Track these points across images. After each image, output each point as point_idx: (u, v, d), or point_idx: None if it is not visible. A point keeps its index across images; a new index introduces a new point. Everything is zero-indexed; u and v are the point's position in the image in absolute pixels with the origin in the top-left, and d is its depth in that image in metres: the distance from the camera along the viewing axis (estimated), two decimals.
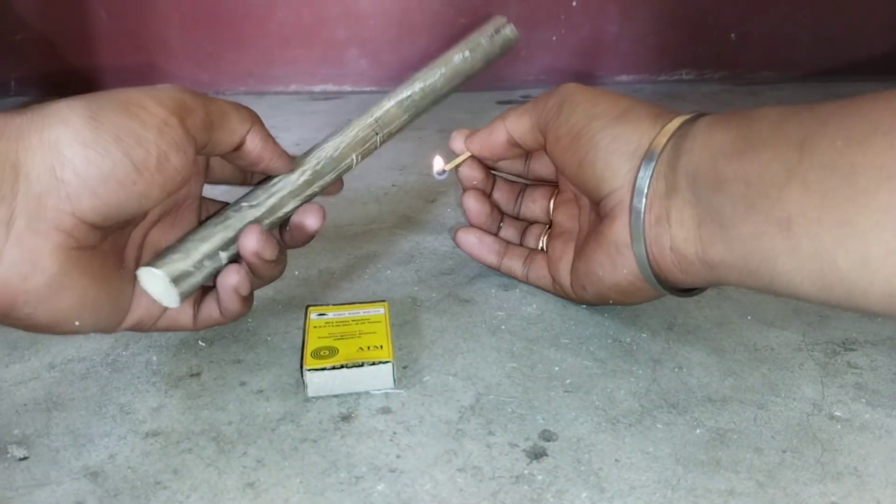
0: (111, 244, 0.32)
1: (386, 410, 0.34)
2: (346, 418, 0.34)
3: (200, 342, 0.40)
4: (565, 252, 0.42)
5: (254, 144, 0.34)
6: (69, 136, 0.27)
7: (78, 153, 0.27)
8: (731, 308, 0.43)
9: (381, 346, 0.36)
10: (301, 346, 0.40)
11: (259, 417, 0.34)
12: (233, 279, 0.35)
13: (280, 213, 0.38)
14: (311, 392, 0.35)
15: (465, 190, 0.45)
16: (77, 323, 0.31)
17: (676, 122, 0.34)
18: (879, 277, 0.27)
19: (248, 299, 0.37)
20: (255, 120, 0.35)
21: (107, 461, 0.31)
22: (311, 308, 0.41)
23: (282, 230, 0.39)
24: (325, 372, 0.35)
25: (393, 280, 0.47)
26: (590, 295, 0.40)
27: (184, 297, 0.34)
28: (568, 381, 0.36)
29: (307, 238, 0.39)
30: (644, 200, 0.34)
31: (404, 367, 0.37)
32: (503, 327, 0.41)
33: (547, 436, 0.32)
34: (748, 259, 0.31)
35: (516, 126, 0.41)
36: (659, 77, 1.13)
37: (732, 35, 1.12)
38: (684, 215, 0.33)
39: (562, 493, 0.29)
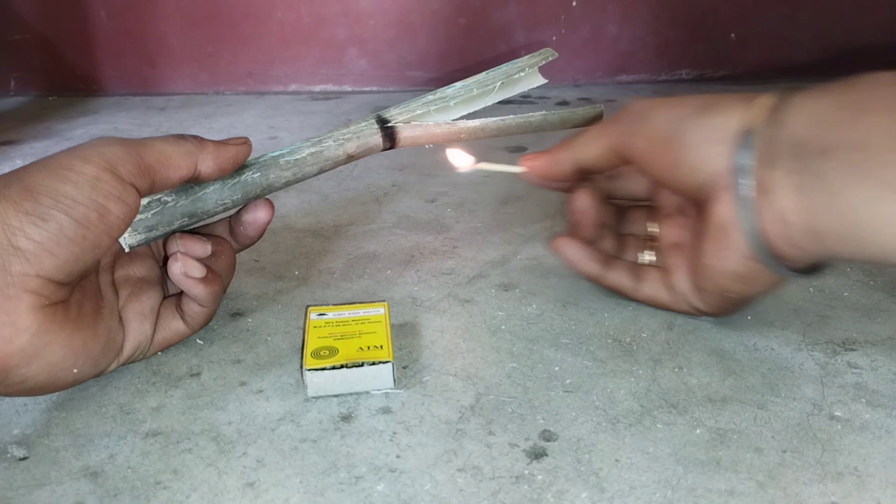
0: (82, 294, 0.33)
1: (386, 410, 0.34)
2: (346, 418, 0.34)
3: (199, 341, 0.40)
4: (680, 261, 0.40)
5: (208, 167, 0.36)
6: (11, 209, 0.30)
7: (24, 221, 0.29)
8: None
9: (381, 346, 0.36)
10: (301, 346, 0.40)
11: (259, 417, 0.34)
12: (175, 267, 0.36)
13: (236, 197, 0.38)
14: (311, 392, 0.35)
15: (572, 192, 0.42)
16: (75, 370, 0.32)
17: (771, 98, 0.34)
18: None
19: (208, 279, 0.37)
20: (201, 146, 0.35)
21: (107, 461, 0.31)
22: (311, 308, 0.41)
23: (233, 229, 0.41)
24: (325, 372, 0.35)
25: (393, 280, 0.47)
26: (711, 296, 0.38)
27: (134, 237, 0.35)
28: (568, 381, 0.36)
29: (259, 232, 0.40)
30: (747, 175, 0.33)
31: (404, 367, 0.37)
32: (503, 327, 0.41)
33: (547, 436, 0.32)
34: (858, 226, 0.31)
35: (585, 153, 0.41)
36: (659, 77, 1.13)
37: (732, 35, 1.12)
38: (789, 185, 0.33)
39: (562, 493, 0.29)
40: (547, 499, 0.28)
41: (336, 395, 0.35)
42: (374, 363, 0.35)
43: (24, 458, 0.31)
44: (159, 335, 0.38)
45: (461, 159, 0.45)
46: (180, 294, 0.38)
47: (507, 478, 0.30)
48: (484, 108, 0.44)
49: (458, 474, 0.30)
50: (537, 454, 0.31)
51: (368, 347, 0.36)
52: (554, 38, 1.10)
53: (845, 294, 0.45)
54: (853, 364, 0.37)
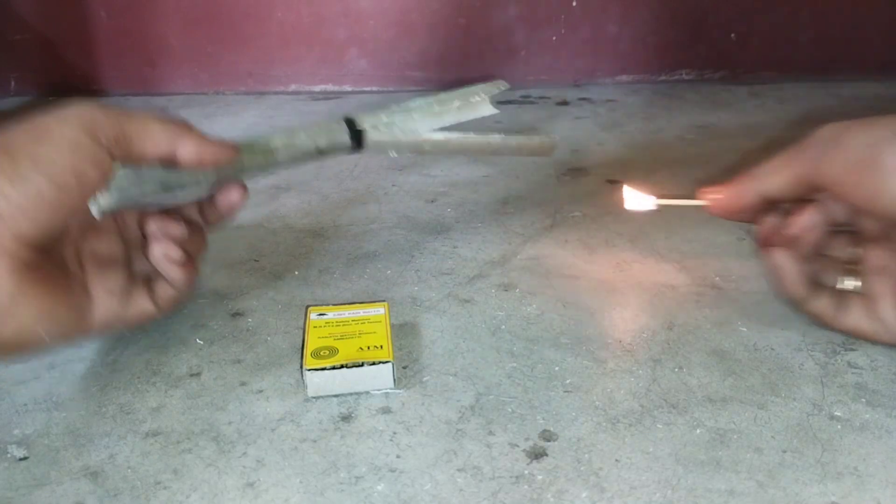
0: (51, 263, 0.33)
1: (386, 410, 0.34)
2: (346, 418, 0.34)
3: (199, 341, 0.40)
4: (887, 288, 0.37)
5: (188, 153, 0.35)
6: None
7: (3, 183, 0.29)
8: (731, 308, 0.43)
9: (381, 346, 0.36)
10: (301, 346, 0.40)
11: (259, 417, 0.34)
12: (157, 250, 0.36)
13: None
14: (311, 392, 0.35)
15: (797, 209, 0.39)
16: (43, 333, 0.32)
17: None
18: None
19: (186, 264, 0.37)
20: (185, 131, 0.35)
21: (107, 461, 0.31)
22: (311, 308, 0.41)
23: (204, 211, 0.41)
24: (325, 372, 0.35)
25: (393, 280, 0.47)
26: None
27: (105, 199, 0.34)
28: (568, 381, 0.36)
29: (231, 214, 0.40)
30: None
31: (404, 367, 0.37)
32: (503, 327, 0.41)
33: (547, 436, 0.32)
34: None
35: (771, 183, 0.38)
36: (659, 77, 1.13)
37: (732, 35, 1.12)
38: None
39: (562, 493, 0.29)
40: (547, 499, 0.28)
41: (336, 395, 0.35)
42: (374, 363, 0.35)
43: (24, 458, 0.31)
44: (128, 314, 0.37)
45: (640, 201, 0.44)
46: (150, 276, 0.38)
47: (507, 478, 0.30)
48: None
49: (458, 474, 0.30)
50: (537, 454, 0.31)
51: (368, 347, 0.36)
52: (554, 38, 1.10)
53: None
54: (853, 364, 0.37)
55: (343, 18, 1.08)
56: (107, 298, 0.36)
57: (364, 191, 0.65)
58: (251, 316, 0.43)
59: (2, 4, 1.06)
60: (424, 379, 0.36)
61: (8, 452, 0.32)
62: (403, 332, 0.41)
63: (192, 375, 0.37)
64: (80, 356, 0.39)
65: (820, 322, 0.40)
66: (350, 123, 0.43)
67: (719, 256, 0.50)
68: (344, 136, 0.43)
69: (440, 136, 0.45)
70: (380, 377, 0.35)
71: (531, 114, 0.93)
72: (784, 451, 0.31)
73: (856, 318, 0.39)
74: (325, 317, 0.40)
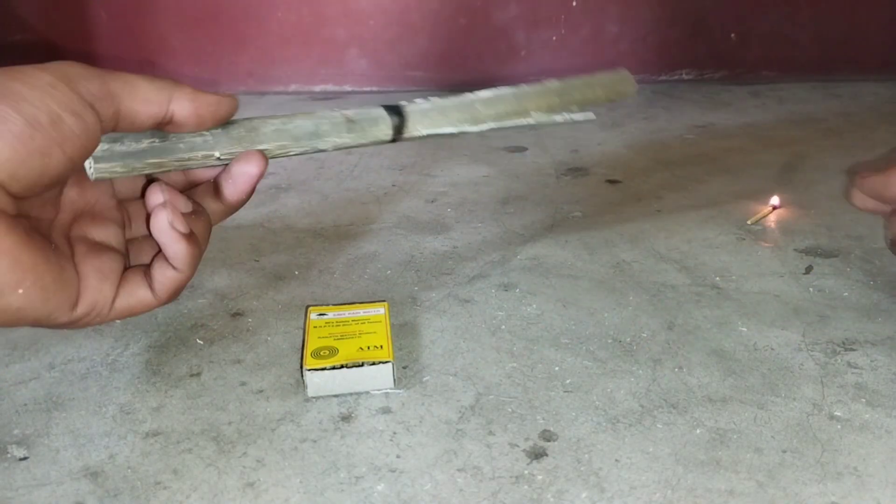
0: (32, 228, 0.30)
1: (386, 410, 0.34)
2: (346, 418, 0.34)
3: (200, 341, 0.40)
4: None
5: (184, 109, 0.32)
6: None
7: None
8: (731, 308, 0.43)
9: (381, 346, 0.36)
10: (301, 346, 0.40)
11: (259, 417, 0.34)
12: (162, 216, 0.32)
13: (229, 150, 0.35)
14: (311, 392, 0.35)
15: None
16: (20, 291, 0.29)
17: None
18: None
19: (191, 238, 0.33)
20: (177, 86, 0.32)
21: (107, 461, 0.31)
22: (311, 308, 0.41)
23: (219, 186, 0.36)
24: (325, 372, 0.35)
25: (393, 280, 0.47)
26: None
27: (100, 167, 0.32)
28: (568, 381, 0.36)
29: (249, 187, 0.36)
30: None
31: (404, 367, 0.37)
32: (503, 327, 0.41)
33: (547, 436, 0.32)
34: None
35: None
36: (659, 77, 1.13)
37: (732, 35, 1.12)
38: None
39: (562, 493, 0.29)
40: (547, 499, 0.28)
41: (336, 395, 0.35)
42: (374, 363, 0.35)
43: (24, 458, 0.31)
44: (122, 301, 0.34)
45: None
46: (148, 265, 0.35)
47: (507, 478, 0.30)
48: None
49: (458, 474, 0.30)
50: (537, 454, 0.31)
51: (368, 347, 0.36)
52: (554, 38, 1.10)
53: (845, 294, 0.45)
54: (853, 364, 0.37)
55: (343, 18, 1.08)
56: (98, 281, 0.32)
57: (364, 191, 0.65)
58: (251, 316, 0.43)
59: (2, 4, 1.06)
60: (424, 379, 0.36)
61: (8, 452, 0.32)
62: (403, 332, 0.41)
63: (192, 375, 0.37)
64: (80, 356, 0.39)
65: None
66: (386, 106, 0.37)
67: (719, 256, 0.50)
68: (378, 109, 0.37)
69: (488, 93, 0.38)
70: (380, 377, 0.35)
71: None
72: (784, 451, 0.31)
73: None
74: (325, 317, 0.40)
